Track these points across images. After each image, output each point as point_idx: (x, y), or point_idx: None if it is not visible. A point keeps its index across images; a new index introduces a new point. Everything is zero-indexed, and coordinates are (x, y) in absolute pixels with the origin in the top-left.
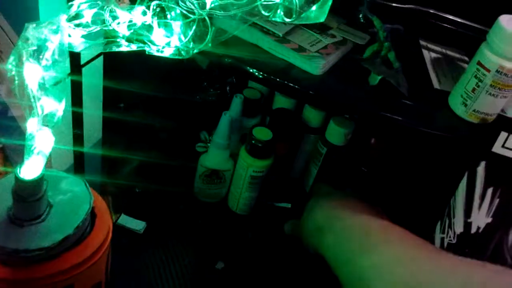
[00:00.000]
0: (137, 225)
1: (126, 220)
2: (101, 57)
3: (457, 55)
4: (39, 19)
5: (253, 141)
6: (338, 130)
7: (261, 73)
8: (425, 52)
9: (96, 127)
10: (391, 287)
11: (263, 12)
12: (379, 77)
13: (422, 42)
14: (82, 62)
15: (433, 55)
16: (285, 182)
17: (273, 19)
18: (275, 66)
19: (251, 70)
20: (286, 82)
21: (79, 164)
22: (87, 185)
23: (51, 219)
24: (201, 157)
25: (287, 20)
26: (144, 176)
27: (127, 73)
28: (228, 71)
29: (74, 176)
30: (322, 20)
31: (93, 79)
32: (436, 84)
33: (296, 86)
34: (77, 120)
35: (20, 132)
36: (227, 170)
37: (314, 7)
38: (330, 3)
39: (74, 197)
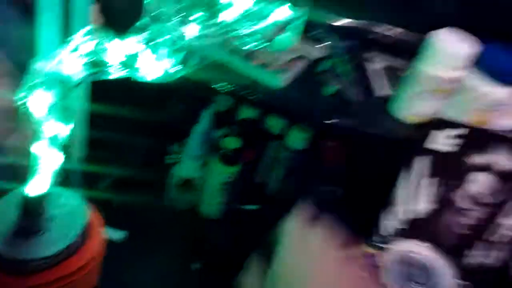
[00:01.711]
0: (118, 235)
1: (107, 231)
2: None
3: (397, 65)
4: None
5: (223, 150)
6: (297, 135)
7: (230, 87)
8: (371, 63)
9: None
10: None
11: (238, 42)
12: (334, 88)
13: (365, 55)
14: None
15: (378, 65)
16: (251, 186)
17: (249, 46)
18: (242, 80)
19: (223, 86)
20: (252, 94)
21: (62, 180)
22: (83, 198)
23: (53, 231)
24: (175, 168)
25: (261, 47)
26: (119, 189)
27: (110, 98)
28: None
29: (70, 190)
30: (292, 44)
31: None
32: (378, 91)
33: (261, 97)
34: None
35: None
36: (198, 178)
37: (285, 34)
38: (301, 29)
39: (72, 209)
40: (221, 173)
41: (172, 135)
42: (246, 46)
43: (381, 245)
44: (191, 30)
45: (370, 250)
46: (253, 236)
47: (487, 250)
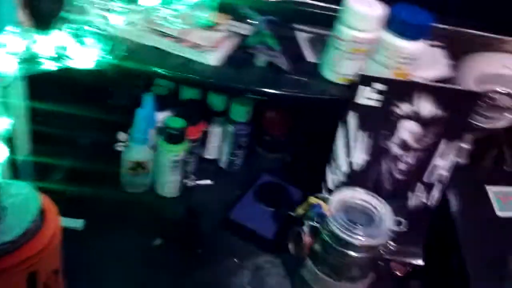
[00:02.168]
0: (76, 223)
1: (64, 221)
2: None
3: (323, 32)
4: None
5: (168, 130)
6: (239, 109)
7: (164, 71)
8: (298, 33)
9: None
10: None
11: (161, 22)
12: (264, 60)
13: (295, 26)
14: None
15: (305, 35)
16: (203, 162)
17: (171, 26)
18: (176, 63)
19: (157, 70)
20: (187, 75)
21: (12, 174)
22: (33, 187)
23: (7, 219)
24: (124, 153)
25: (183, 26)
26: (73, 180)
27: (47, 92)
28: (136, 75)
29: (20, 181)
30: (212, 22)
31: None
32: (309, 57)
33: (197, 77)
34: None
35: None
36: (149, 160)
37: (203, 12)
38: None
39: (24, 198)
40: (169, 152)
41: (118, 123)
42: (168, 26)
43: (326, 196)
44: (115, 18)
45: (314, 200)
46: (209, 210)
47: (426, 191)
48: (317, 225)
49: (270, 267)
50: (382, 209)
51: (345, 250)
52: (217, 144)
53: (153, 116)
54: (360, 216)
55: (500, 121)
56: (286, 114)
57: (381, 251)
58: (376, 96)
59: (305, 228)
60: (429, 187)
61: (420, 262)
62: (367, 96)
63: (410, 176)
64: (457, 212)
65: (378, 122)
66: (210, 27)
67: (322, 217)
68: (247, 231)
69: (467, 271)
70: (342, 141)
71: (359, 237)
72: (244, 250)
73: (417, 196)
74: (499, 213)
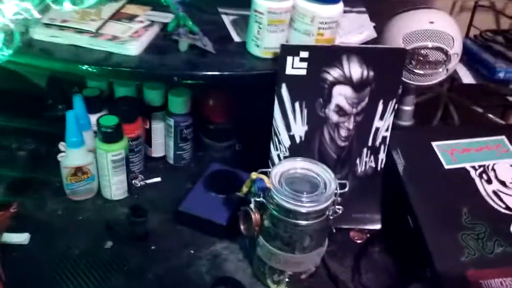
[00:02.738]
0: (21, 237)
1: (9, 237)
2: None
3: (247, 12)
4: None
5: (101, 129)
6: (176, 100)
7: (87, 67)
8: (224, 17)
9: None
10: None
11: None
12: (187, 44)
13: (220, 10)
14: None
15: (230, 18)
16: (151, 160)
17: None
18: (97, 57)
19: (79, 67)
20: (110, 68)
21: None
22: None
23: None
24: (62, 160)
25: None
26: (16, 193)
27: None
28: (63, 81)
29: None
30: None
31: None
32: (236, 38)
33: (120, 69)
34: None
35: None
36: (88, 164)
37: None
38: None
39: None
40: (107, 152)
41: (58, 134)
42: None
43: (267, 170)
44: (8, 8)
45: (256, 175)
46: (160, 207)
47: (373, 155)
48: (263, 200)
49: (227, 254)
50: (324, 174)
51: (294, 221)
52: (161, 140)
53: (85, 118)
54: (304, 185)
55: (437, 77)
56: (226, 100)
57: (330, 217)
58: (304, 64)
59: (252, 206)
60: (375, 151)
61: (377, 227)
62: (296, 66)
63: (354, 142)
64: (405, 172)
65: (312, 91)
66: (128, 19)
67: (265, 191)
68: (199, 220)
69: (420, 228)
70: (280, 115)
71: (305, 204)
72: (199, 240)
73: (365, 162)
74: (447, 166)
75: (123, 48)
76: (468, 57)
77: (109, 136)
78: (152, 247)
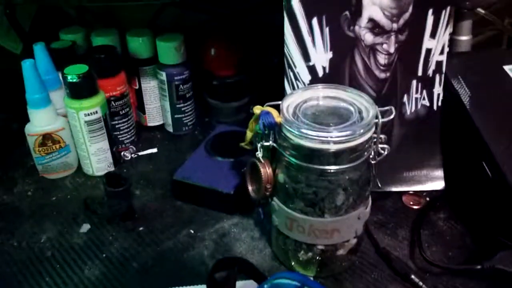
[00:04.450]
0: None
1: None
2: None
3: None
4: None
5: (68, 79)
6: (166, 46)
7: None
8: None
9: None
10: None
11: None
12: None
13: None
14: None
15: None
16: (146, 130)
17: None
18: None
19: None
20: None
21: None
22: None
23: None
24: (26, 127)
25: None
26: None
27: None
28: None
29: None
30: None
31: None
32: None
33: None
34: None
35: None
36: (59, 130)
37: None
38: None
39: None
40: (78, 110)
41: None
42: None
43: (277, 103)
44: None
45: (260, 108)
46: (153, 181)
47: (426, 89)
48: (273, 143)
49: (238, 232)
50: (358, 100)
51: (319, 167)
52: (156, 104)
53: (52, 73)
54: (330, 117)
55: None
56: (231, 46)
57: (372, 162)
58: None
59: (260, 155)
60: (428, 83)
61: (439, 186)
62: None
63: (398, 72)
64: (472, 104)
65: (333, 1)
66: None
67: (275, 128)
68: (200, 191)
69: (503, 174)
70: (293, 39)
71: (333, 138)
72: (202, 217)
73: (415, 99)
74: None
75: None
76: None
77: (78, 89)
78: (140, 228)
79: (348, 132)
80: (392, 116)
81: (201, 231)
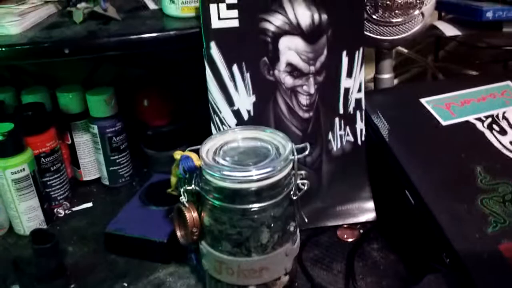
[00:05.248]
0: None
1: None
2: None
3: None
4: None
5: None
6: (96, 100)
7: None
8: None
9: None
10: None
11: None
12: (81, 13)
13: None
14: None
15: None
16: (81, 185)
17: None
18: None
19: None
20: None
21: None
22: None
23: None
24: None
25: None
26: None
27: None
28: None
29: None
30: None
31: None
32: (151, 5)
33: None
34: None
35: None
36: None
37: None
38: None
39: None
40: (7, 168)
41: None
42: None
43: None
44: None
45: (180, 153)
46: (87, 236)
47: (349, 126)
48: (195, 187)
49: (173, 280)
50: (275, 139)
51: (241, 206)
52: (90, 158)
53: None
54: (249, 157)
55: (413, 25)
56: (163, 96)
57: (293, 197)
58: (234, 13)
59: (185, 200)
60: (350, 120)
61: (371, 217)
62: (223, 16)
63: (320, 111)
64: (391, 137)
65: (251, 48)
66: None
67: (195, 171)
68: (133, 242)
69: (424, 202)
70: (216, 86)
71: (253, 177)
72: (137, 269)
73: (340, 136)
74: (445, 122)
75: (1, 28)
76: (447, 9)
77: (3, 147)
78: (72, 286)
79: (267, 169)
80: (306, 153)
81: (135, 284)
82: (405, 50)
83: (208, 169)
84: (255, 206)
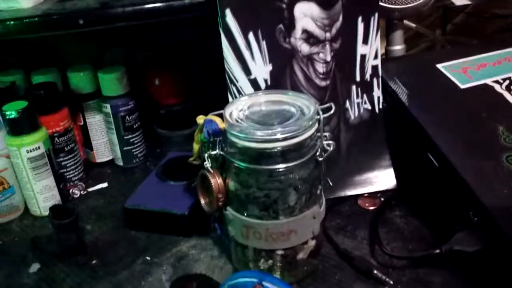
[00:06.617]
0: None
1: None
2: None
3: None
4: None
5: (7, 116)
6: (108, 78)
7: None
8: None
9: None
10: None
11: None
12: None
13: None
14: None
15: None
16: (95, 166)
17: None
18: None
19: None
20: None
21: None
22: None
23: None
24: None
25: None
26: None
27: None
28: None
29: None
30: None
31: None
32: None
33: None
34: None
35: None
36: (2, 170)
37: None
38: None
39: None
40: (22, 146)
41: None
42: None
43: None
44: None
45: (203, 118)
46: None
47: (366, 94)
48: (220, 152)
49: (196, 253)
50: (299, 101)
51: (267, 167)
52: (103, 139)
53: None
54: (273, 118)
55: None
56: (175, 74)
57: (319, 158)
58: None
59: (208, 165)
60: (367, 87)
61: (391, 185)
62: None
63: (337, 79)
64: (411, 101)
65: (267, 15)
66: None
67: (219, 135)
68: (153, 216)
69: (448, 162)
70: (232, 55)
71: (278, 136)
72: (158, 244)
73: (357, 104)
74: (463, 86)
75: (13, 1)
76: None
77: (18, 125)
78: (93, 262)
79: (292, 128)
80: (332, 111)
81: (157, 257)
82: (413, 25)
83: (233, 130)
84: (281, 166)
